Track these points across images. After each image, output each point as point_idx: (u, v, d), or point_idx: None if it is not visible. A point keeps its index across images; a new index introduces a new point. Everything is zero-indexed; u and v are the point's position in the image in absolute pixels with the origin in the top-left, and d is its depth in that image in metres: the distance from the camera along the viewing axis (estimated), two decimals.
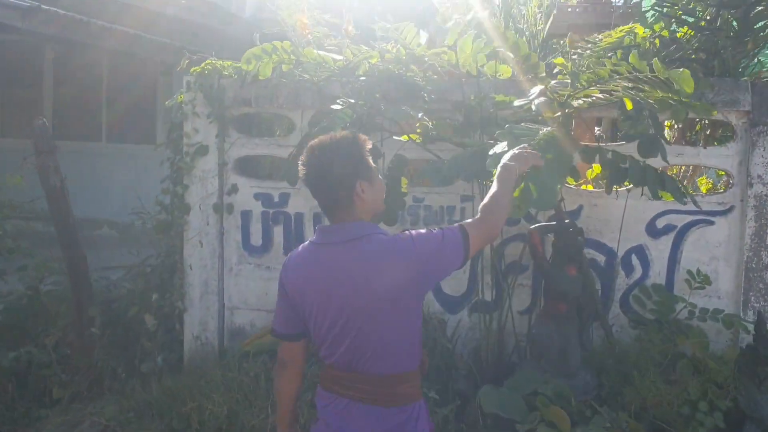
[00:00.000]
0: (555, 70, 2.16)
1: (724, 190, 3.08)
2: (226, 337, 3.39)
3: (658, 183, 2.12)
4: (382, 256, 1.52)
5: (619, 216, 3.07)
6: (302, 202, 3.25)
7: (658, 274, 3.10)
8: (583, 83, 1.92)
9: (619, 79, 1.81)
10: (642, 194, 3.06)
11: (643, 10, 3.91)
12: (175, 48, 5.27)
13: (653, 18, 3.34)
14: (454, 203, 3.15)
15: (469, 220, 1.64)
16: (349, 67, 2.95)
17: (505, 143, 1.73)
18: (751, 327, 2.69)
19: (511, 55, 2.41)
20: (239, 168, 3.32)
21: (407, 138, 2.94)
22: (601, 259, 3.11)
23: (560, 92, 2.06)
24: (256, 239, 3.32)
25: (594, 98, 2.00)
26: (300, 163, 1.60)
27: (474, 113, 2.67)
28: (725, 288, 3.05)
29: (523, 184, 1.59)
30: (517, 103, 2.29)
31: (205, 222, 3.29)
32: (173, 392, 2.84)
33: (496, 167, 1.63)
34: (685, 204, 2.41)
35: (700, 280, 2.89)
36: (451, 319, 3.20)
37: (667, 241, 3.08)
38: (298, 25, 3.24)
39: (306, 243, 1.66)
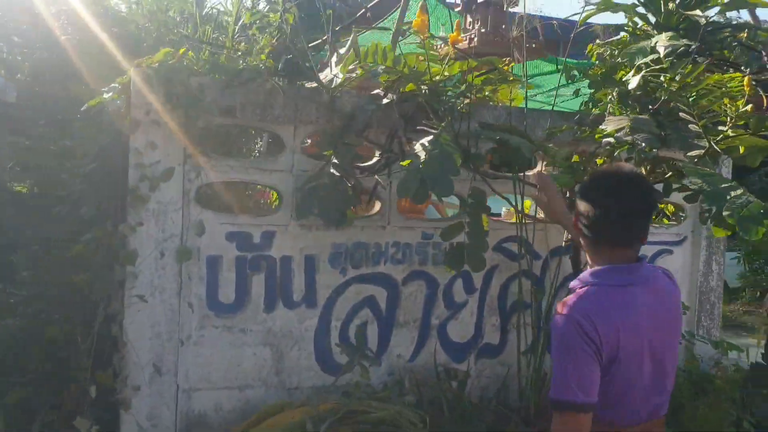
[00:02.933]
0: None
1: (679, 223, 4.16)
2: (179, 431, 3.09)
3: None
4: (674, 290, 2.05)
5: None
6: (290, 243, 3.23)
7: None
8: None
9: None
10: None
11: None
12: None
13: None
14: (462, 239, 3.51)
15: None
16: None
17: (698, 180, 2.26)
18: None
19: None
20: (203, 199, 3.09)
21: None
22: None
23: (712, 132, 2.69)
24: (228, 293, 3.16)
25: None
26: (620, 189, 1.95)
27: (526, 147, 3.11)
28: None
29: None
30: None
31: (159, 274, 2.97)
32: None
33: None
34: None
35: (683, 308, 3.87)
36: (458, 368, 3.55)
37: None
38: None
39: (594, 288, 1.92)
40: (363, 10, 7.88)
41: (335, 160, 3.03)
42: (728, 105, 2.67)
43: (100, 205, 2.91)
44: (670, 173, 3.13)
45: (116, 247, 2.88)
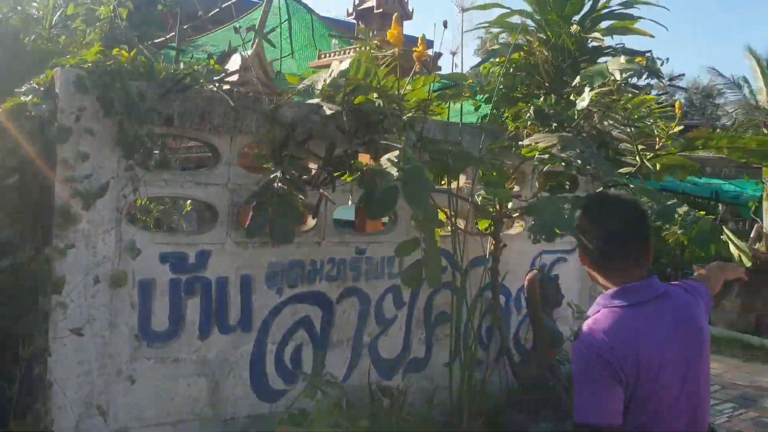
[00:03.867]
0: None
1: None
2: None
3: None
4: (693, 303, 2.11)
5: (513, 259, 4.24)
6: (227, 263, 3.17)
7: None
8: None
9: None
10: (529, 237, 4.35)
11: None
12: None
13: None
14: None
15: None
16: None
17: None
18: None
19: None
20: (132, 217, 2.92)
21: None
22: (503, 300, 4.21)
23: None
24: (161, 320, 3.02)
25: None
26: (617, 213, 2.11)
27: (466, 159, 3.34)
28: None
29: None
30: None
31: (89, 303, 2.76)
32: None
33: None
34: None
35: (579, 311, 4.35)
36: (389, 385, 3.68)
37: None
38: None
39: (607, 310, 2.01)
40: (217, 9, 7.72)
41: (283, 174, 3.01)
42: (663, 126, 3.11)
43: (18, 226, 2.61)
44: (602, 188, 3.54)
45: (41, 274, 2.61)
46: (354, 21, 5.57)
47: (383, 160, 2.89)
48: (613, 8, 4.40)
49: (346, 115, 3.15)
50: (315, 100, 3.34)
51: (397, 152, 2.89)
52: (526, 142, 3.55)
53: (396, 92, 3.03)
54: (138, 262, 2.92)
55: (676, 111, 3.13)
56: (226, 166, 3.16)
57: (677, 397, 1.98)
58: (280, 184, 2.99)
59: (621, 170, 3.30)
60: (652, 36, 4.77)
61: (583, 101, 3.11)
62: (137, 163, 2.81)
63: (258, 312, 3.29)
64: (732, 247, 2.68)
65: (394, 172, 2.76)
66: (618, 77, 2.94)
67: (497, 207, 3.66)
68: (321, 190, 3.23)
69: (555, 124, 3.91)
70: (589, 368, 1.94)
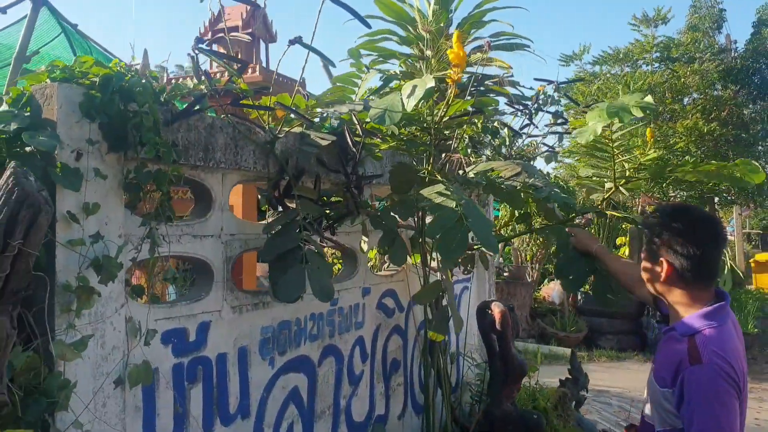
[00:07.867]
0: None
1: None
2: None
3: None
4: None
5: None
6: (225, 334, 2.59)
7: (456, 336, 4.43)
8: None
9: None
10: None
11: None
12: None
13: None
14: (358, 300, 3.36)
15: None
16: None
17: None
18: None
19: None
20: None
21: None
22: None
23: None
24: (165, 423, 2.34)
25: None
26: (718, 230, 2.20)
27: None
28: (475, 331, 4.69)
29: None
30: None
31: (99, 414, 2.02)
32: None
33: None
34: None
35: None
36: None
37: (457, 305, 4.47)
38: None
39: (712, 330, 2.08)
40: None
41: (302, 218, 2.52)
42: (638, 153, 3.30)
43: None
44: None
45: (48, 386, 1.79)
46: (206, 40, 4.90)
47: (426, 192, 2.61)
48: (500, 39, 4.59)
49: (354, 146, 2.78)
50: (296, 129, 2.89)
51: (441, 186, 2.63)
52: (480, 169, 3.51)
53: (436, 119, 2.77)
54: (139, 348, 2.19)
55: (648, 138, 3.38)
56: (219, 212, 2.55)
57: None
58: (304, 231, 2.50)
59: (592, 196, 3.46)
60: (510, 67, 5.09)
61: (594, 134, 3.14)
62: (153, 216, 2.12)
63: (255, 391, 2.70)
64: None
65: (452, 204, 2.50)
66: (639, 114, 3.03)
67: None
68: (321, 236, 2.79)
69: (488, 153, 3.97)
70: (722, 391, 1.96)
